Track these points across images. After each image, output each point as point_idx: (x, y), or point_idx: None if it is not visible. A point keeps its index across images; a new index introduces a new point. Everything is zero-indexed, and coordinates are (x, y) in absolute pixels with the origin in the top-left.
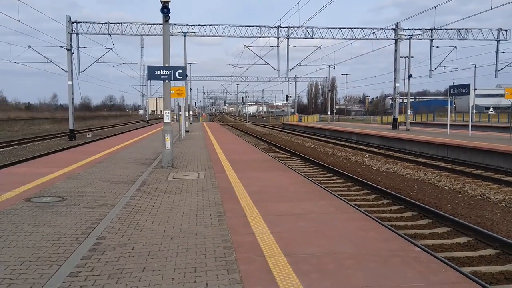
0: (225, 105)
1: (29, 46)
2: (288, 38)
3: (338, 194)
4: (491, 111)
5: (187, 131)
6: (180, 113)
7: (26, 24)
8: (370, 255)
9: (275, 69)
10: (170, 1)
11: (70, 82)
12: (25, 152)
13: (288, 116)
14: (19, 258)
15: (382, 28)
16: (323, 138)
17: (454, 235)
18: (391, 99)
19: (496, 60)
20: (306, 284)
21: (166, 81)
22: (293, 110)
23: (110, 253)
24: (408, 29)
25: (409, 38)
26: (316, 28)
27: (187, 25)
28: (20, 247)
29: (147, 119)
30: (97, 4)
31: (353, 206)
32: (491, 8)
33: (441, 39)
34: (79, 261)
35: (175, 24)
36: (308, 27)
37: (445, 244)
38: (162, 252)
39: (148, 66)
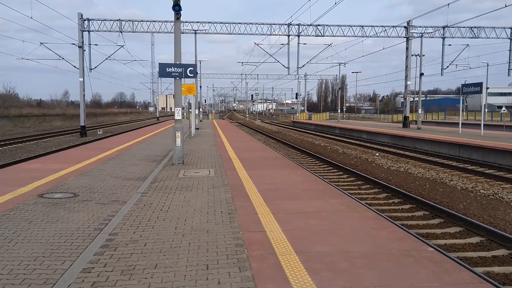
0: (234, 103)
1: (41, 43)
2: (298, 36)
3: (349, 193)
4: (504, 110)
5: (197, 129)
6: (190, 110)
7: (39, 21)
8: (382, 254)
9: (285, 67)
10: None
11: (81, 79)
12: (37, 148)
13: (298, 114)
14: (33, 253)
15: (394, 26)
16: (333, 136)
17: (466, 235)
18: (401, 97)
19: (509, 58)
20: (318, 283)
21: (177, 78)
22: (303, 108)
23: (123, 250)
24: (420, 26)
25: (421, 36)
26: (327, 25)
27: (197, 22)
28: (33, 243)
29: (157, 116)
30: (111, 1)
31: (364, 205)
32: (505, 6)
33: (453, 37)
34: (92, 257)
35: (186, 22)
36: (318, 25)
37: (458, 244)
38: (174, 249)
39: (159, 63)
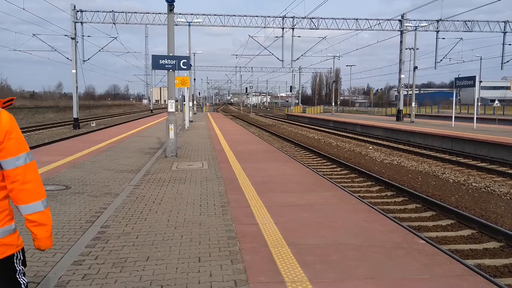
0: (229, 96)
1: (34, 34)
2: (293, 29)
3: (342, 186)
4: (497, 104)
5: (190, 121)
6: (184, 103)
7: (34, 13)
8: (374, 247)
9: (280, 60)
10: None
11: (74, 71)
12: (29, 141)
13: (292, 107)
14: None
15: (388, 19)
16: (327, 130)
17: (458, 227)
18: (395, 90)
19: (503, 52)
20: (310, 275)
21: (171, 70)
22: (297, 101)
23: (114, 242)
24: (414, 20)
25: (415, 30)
26: (321, 18)
27: (191, 14)
28: (23, 235)
29: (151, 108)
30: None
31: (357, 198)
32: (499, 0)
33: (447, 31)
34: (83, 249)
35: (180, 14)
36: (313, 18)
37: (449, 236)
38: (166, 242)
39: (152, 55)
